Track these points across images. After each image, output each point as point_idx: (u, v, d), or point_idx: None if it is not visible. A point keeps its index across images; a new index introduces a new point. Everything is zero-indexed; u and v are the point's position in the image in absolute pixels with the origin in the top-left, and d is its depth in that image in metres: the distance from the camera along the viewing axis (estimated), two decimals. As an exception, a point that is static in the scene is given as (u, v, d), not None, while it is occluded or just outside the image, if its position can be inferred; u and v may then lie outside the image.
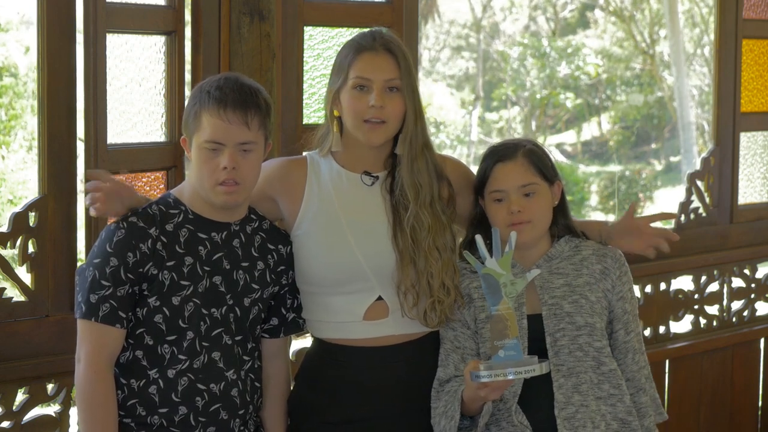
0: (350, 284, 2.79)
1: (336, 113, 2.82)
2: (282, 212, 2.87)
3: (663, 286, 4.55)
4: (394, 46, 2.78)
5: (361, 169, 2.85)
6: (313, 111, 3.57)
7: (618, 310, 2.84)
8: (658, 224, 2.98)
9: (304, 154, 2.94)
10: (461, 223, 2.96)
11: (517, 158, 2.81)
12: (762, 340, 4.90)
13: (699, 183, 4.73)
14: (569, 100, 19.50)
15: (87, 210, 3.12)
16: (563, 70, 19.14)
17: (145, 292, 2.62)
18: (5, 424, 3.06)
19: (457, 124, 19.93)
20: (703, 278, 4.70)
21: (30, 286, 3.11)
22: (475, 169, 2.94)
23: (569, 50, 19.29)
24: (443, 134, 19.09)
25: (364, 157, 2.84)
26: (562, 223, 2.88)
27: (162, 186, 3.32)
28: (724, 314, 4.77)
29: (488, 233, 2.80)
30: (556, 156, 18.27)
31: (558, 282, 2.81)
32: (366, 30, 2.84)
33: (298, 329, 2.89)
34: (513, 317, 2.61)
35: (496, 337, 2.61)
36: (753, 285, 4.87)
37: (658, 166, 19.27)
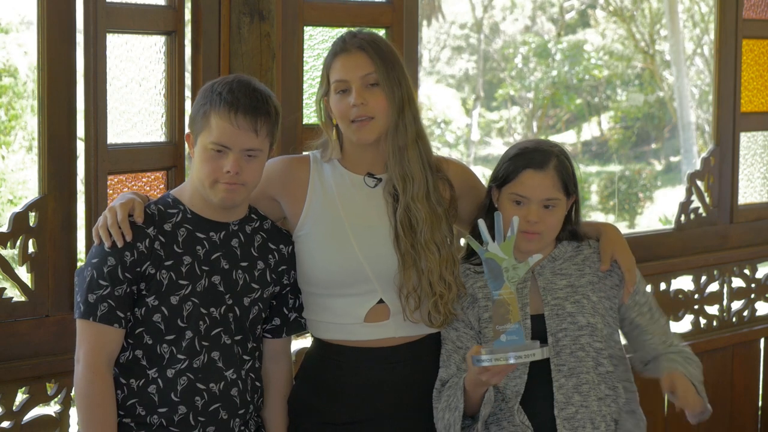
0: (352, 286, 2.78)
1: (334, 121, 2.82)
2: (284, 212, 2.87)
3: (663, 286, 4.55)
4: (366, 42, 2.78)
5: (364, 170, 2.85)
6: (313, 111, 3.55)
7: (629, 301, 2.86)
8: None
9: (308, 152, 2.93)
10: (462, 226, 2.95)
11: (549, 170, 2.77)
12: (762, 340, 4.90)
13: (699, 183, 4.73)
14: (571, 101, 19.51)
15: (87, 210, 3.13)
16: (569, 71, 19.14)
17: (144, 292, 2.62)
18: (5, 424, 3.07)
19: (458, 124, 19.94)
20: (703, 278, 4.70)
21: (30, 286, 3.11)
22: (476, 170, 2.92)
23: (574, 51, 19.29)
24: (448, 133, 19.10)
25: (365, 158, 2.84)
26: (568, 229, 2.88)
27: (162, 186, 3.32)
28: (724, 314, 4.77)
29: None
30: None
31: (561, 283, 2.81)
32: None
33: (301, 329, 2.89)
34: (515, 302, 2.60)
35: (498, 321, 2.60)
36: (753, 285, 4.87)
37: (658, 166, 19.28)
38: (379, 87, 2.76)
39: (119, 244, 2.59)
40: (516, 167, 2.79)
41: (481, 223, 2.66)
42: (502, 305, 2.60)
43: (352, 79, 2.75)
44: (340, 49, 2.79)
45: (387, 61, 2.77)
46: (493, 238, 2.64)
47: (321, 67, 3.54)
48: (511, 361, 2.56)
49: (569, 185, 2.81)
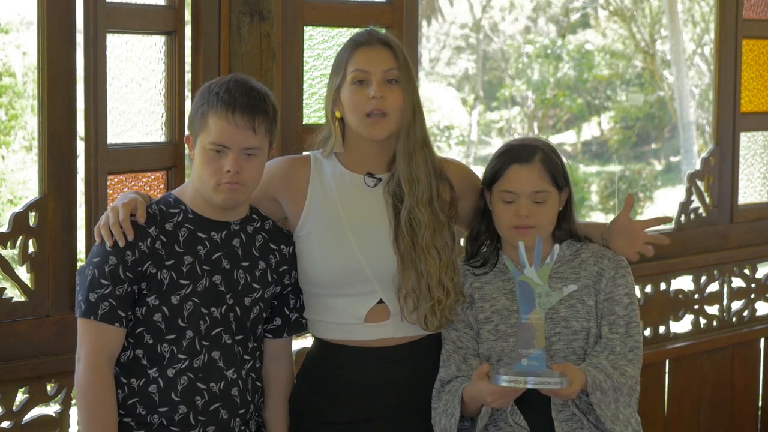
0: (352, 287, 2.78)
1: (338, 114, 2.82)
2: (285, 212, 2.87)
3: (663, 286, 4.55)
4: (391, 40, 2.80)
5: (364, 170, 2.85)
6: (313, 111, 3.57)
7: (605, 310, 2.80)
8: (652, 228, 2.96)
9: (308, 153, 2.93)
10: (462, 226, 2.96)
11: (534, 163, 2.78)
12: (762, 340, 4.90)
13: (699, 183, 4.73)
14: (574, 102, 19.51)
15: (87, 210, 3.14)
16: (576, 72, 19.13)
17: (144, 291, 2.63)
18: (5, 424, 3.07)
19: (459, 124, 19.94)
20: (703, 278, 4.70)
21: (30, 286, 3.11)
22: (476, 170, 2.93)
23: (581, 53, 19.28)
24: (445, 134, 19.11)
25: (367, 157, 2.84)
26: (565, 227, 2.87)
27: (162, 186, 3.32)
28: (724, 314, 4.77)
29: (491, 225, 2.83)
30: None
31: (556, 286, 2.80)
32: (357, 31, 2.86)
33: (302, 329, 2.89)
34: (542, 328, 2.60)
35: (522, 345, 2.60)
36: (753, 285, 4.87)
37: (658, 166, 19.27)
38: (398, 84, 2.76)
39: (121, 244, 2.59)
40: (502, 164, 2.80)
41: (521, 246, 2.65)
42: (529, 330, 2.60)
43: (374, 71, 2.75)
44: (364, 41, 2.79)
45: (406, 62, 2.79)
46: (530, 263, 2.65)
47: (321, 67, 3.56)
48: (529, 386, 2.56)
49: (558, 178, 2.81)
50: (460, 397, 2.71)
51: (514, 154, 2.81)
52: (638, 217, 2.95)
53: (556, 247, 2.68)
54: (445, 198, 2.86)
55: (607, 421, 2.69)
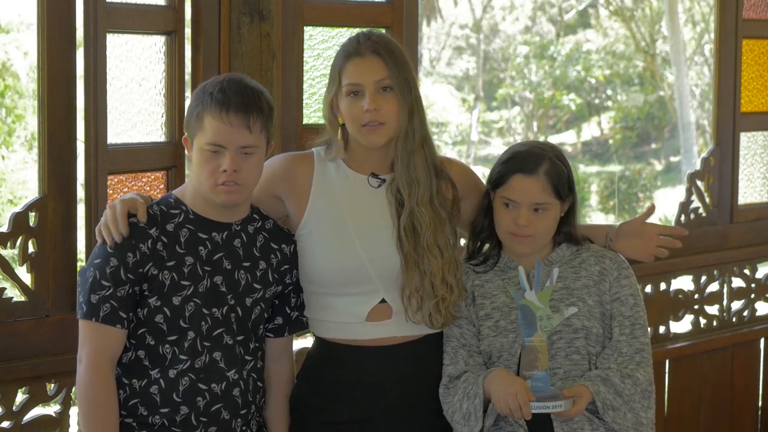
0: (354, 286, 2.78)
1: (341, 121, 2.81)
2: (287, 210, 2.87)
3: (663, 286, 4.55)
4: (380, 46, 2.77)
5: (368, 170, 2.84)
6: (313, 111, 3.57)
7: (614, 311, 2.81)
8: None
9: (312, 149, 2.92)
10: (464, 227, 2.96)
11: (538, 175, 2.77)
12: (762, 340, 4.90)
13: (699, 183, 4.73)
14: (572, 102, 19.50)
15: (87, 210, 3.14)
16: (571, 72, 19.12)
17: (146, 293, 2.63)
18: (5, 424, 3.07)
19: (458, 124, 19.94)
20: (703, 278, 4.70)
21: (30, 286, 3.11)
22: (476, 170, 2.93)
23: (577, 53, 19.27)
24: (445, 134, 19.11)
25: (370, 158, 2.84)
26: (564, 231, 2.87)
27: (162, 186, 3.32)
28: (724, 314, 4.77)
29: (493, 223, 2.84)
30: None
31: (556, 285, 2.81)
32: (354, 34, 2.84)
33: (303, 327, 2.88)
34: (545, 350, 2.65)
35: (526, 367, 2.65)
36: (753, 285, 4.87)
37: (658, 166, 19.27)
38: (392, 92, 2.75)
39: (117, 241, 2.59)
40: (506, 171, 2.80)
41: (521, 270, 2.70)
42: (532, 352, 2.65)
43: (366, 83, 2.74)
44: (354, 51, 2.77)
45: (400, 65, 2.76)
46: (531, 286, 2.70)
47: (321, 67, 3.56)
48: (533, 411, 2.61)
49: (561, 190, 2.80)
50: (483, 378, 2.71)
51: (520, 162, 2.80)
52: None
53: (555, 270, 2.71)
54: (448, 197, 2.86)
55: (630, 430, 2.73)
